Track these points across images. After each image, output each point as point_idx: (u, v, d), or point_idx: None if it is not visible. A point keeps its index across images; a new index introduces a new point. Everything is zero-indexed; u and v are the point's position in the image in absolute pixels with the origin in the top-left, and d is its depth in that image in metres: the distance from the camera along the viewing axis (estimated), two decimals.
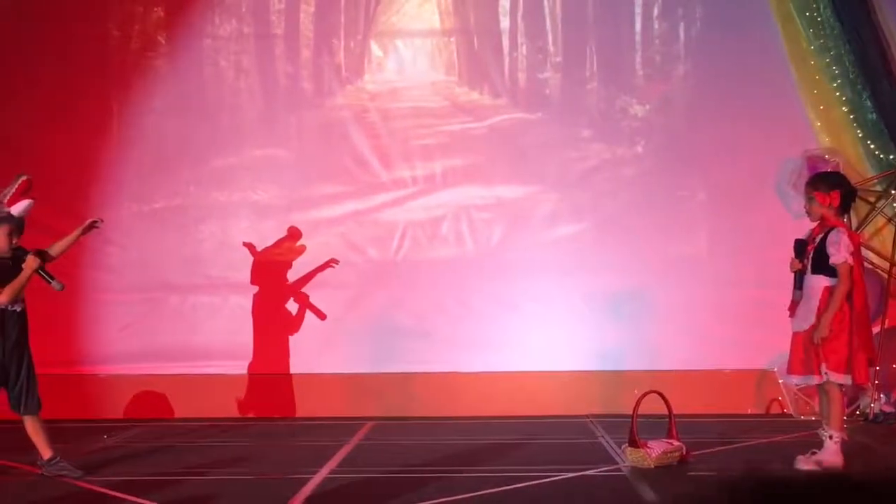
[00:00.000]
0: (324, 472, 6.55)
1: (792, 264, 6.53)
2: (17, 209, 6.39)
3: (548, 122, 9.31)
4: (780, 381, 8.77)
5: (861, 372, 6.42)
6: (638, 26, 9.36)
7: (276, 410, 9.12)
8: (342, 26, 9.41)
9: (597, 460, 6.82)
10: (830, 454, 6.33)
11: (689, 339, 8.94)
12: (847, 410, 8.47)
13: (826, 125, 9.04)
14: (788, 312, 6.67)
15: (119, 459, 7.15)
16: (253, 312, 9.15)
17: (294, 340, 9.17)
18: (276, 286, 9.18)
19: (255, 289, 9.17)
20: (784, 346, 8.72)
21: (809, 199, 6.56)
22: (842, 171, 8.60)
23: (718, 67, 9.17)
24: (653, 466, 6.48)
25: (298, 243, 9.22)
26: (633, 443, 6.59)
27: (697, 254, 9.14)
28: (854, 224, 8.64)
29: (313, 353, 9.15)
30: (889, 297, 8.64)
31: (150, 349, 9.06)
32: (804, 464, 6.29)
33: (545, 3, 9.35)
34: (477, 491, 5.88)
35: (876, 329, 7.89)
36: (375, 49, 9.44)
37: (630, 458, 6.60)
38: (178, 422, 8.90)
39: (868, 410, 8.49)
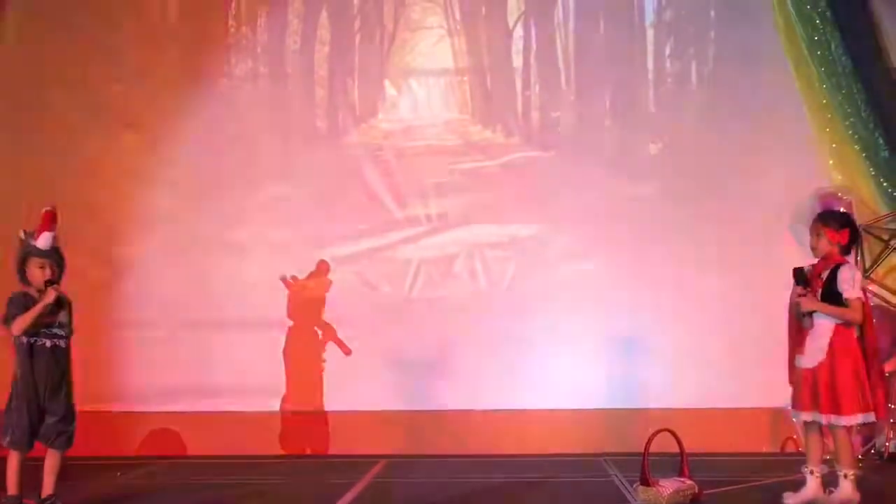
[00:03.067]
0: None
1: (802, 304, 6.48)
2: (41, 242, 6.40)
3: (561, 160, 9.36)
4: (795, 420, 8.71)
5: (880, 408, 6.42)
6: (650, 64, 9.42)
7: (289, 448, 9.12)
8: (356, 66, 9.51)
9: (609, 499, 6.81)
10: (848, 492, 6.33)
11: (703, 377, 8.91)
12: (862, 449, 8.45)
13: (838, 163, 9.06)
14: (789, 342, 6.67)
15: (132, 497, 7.16)
16: (284, 348, 9.19)
17: (311, 378, 9.19)
18: (304, 322, 9.23)
19: (287, 324, 9.21)
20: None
21: (818, 236, 6.56)
22: (853, 210, 8.65)
23: (730, 105, 9.22)
24: None
25: (328, 277, 9.26)
26: (645, 481, 6.57)
27: (712, 291, 9.13)
28: (868, 262, 8.64)
29: (327, 390, 9.16)
30: None
31: (164, 387, 9.09)
32: (790, 499, 6.43)
33: (558, 41, 9.43)
34: None
35: (890, 368, 7.87)
36: (389, 88, 9.53)
37: (642, 496, 6.58)
38: (192, 459, 8.91)
39: (883, 449, 8.44)
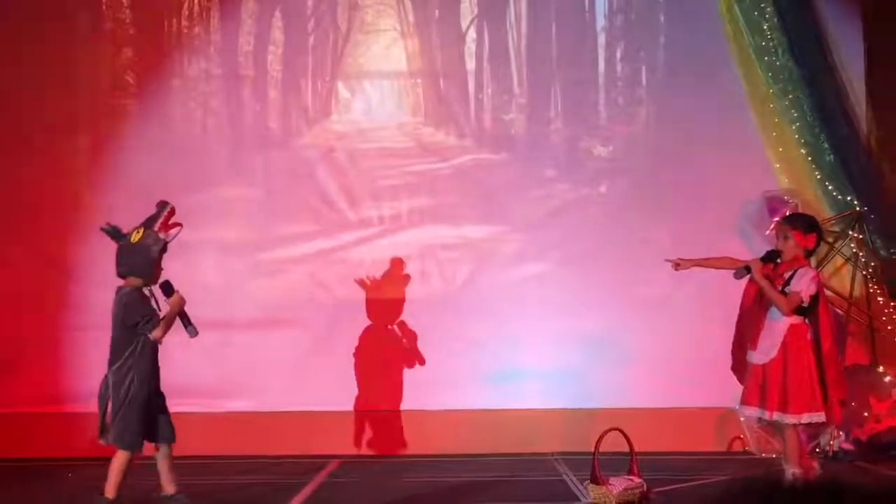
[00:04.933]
0: None
1: (753, 268, 6.59)
2: (170, 236, 6.40)
3: (513, 163, 9.44)
4: (742, 420, 8.87)
5: (833, 412, 6.54)
6: (601, 68, 9.52)
7: (239, 448, 9.08)
8: (310, 67, 9.52)
9: (560, 498, 6.88)
10: None
11: (653, 378, 9.02)
12: (808, 447, 8.60)
13: (785, 167, 9.22)
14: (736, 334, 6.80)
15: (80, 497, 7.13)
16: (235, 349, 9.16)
17: (262, 379, 9.18)
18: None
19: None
20: None
21: (785, 238, 6.68)
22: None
23: (680, 110, 9.33)
24: (614, 503, 6.55)
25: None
26: (595, 480, 6.66)
27: (661, 293, 9.23)
28: (813, 264, 8.78)
29: (281, 390, 9.16)
30: (847, 335, 8.78)
31: None
32: None
33: (510, 45, 9.51)
34: None
35: None
36: (343, 90, 9.55)
37: (592, 495, 6.67)
38: (145, 459, 8.85)
39: (828, 448, 8.59)
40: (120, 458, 6.18)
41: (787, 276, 6.61)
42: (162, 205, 6.45)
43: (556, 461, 8.49)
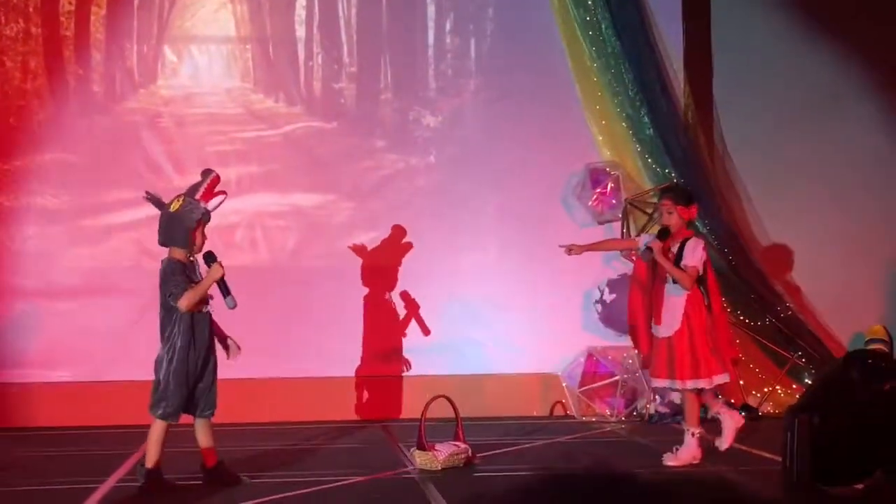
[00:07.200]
0: (111, 482, 6.49)
1: (655, 250, 6.78)
2: (212, 204, 6.19)
3: (343, 132, 9.45)
4: (564, 385, 9.16)
5: (731, 371, 6.90)
6: (431, 39, 9.60)
7: (69, 419, 8.87)
8: (135, 30, 9.29)
9: (387, 464, 6.98)
10: (691, 448, 6.82)
11: (478, 345, 9.22)
12: (625, 411, 8.95)
13: (608, 139, 9.50)
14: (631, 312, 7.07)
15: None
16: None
17: (85, 348, 8.98)
18: None
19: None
20: (569, 353, 9.20)
21: (669, 213, 6.90)
22: (621, 184, 9.14)
23: (508, 83, 9.51)
24: (440, 468, 6.69)
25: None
26: (422, 446, 6.78)
27: (488, 260, 9.43)
28: (633, 234, 9.10)
29: (104, 360, 8.99)
30: None
31: None
32: (670, 461, 6.79)
33: (340, 13, 9.49)
34: (267, 496, 5.95)
35: None
36: (169, 54, 9.37)
37: (418, 460, 6.78)
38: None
39: (644, 411, 8.95)
40: (156, 429, 6.17)
41: (674, 249, 6.86)
42: (206, 173, 6.32)
43: (384, 428, 8.59)
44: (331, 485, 6.30)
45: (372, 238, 9.34)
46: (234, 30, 9.46)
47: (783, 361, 9.20)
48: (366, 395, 9.16)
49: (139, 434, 8.20)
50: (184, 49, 9.42)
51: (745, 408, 8.77)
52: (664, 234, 6.85)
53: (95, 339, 8.98)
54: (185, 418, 6.33)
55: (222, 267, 6.21)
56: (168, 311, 6.19)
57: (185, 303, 6.09)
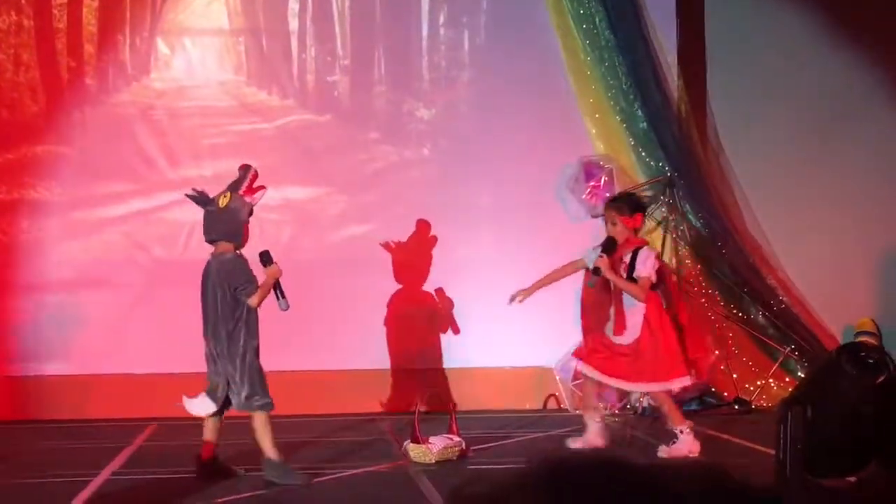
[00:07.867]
0: (105, 474, 6.49)
1: (602, 267, 6.74)
2: (256, 198, 6.26)
3: (336, 125, 9.43)
4: (558, 378, 9.16)
5: (703, 373, 6.98)
6: (424, 32, 9.59)
7: (61, 412, 8.86)
8: (127, 22, 9.26)
9: (381, 457, 6.98)
10: (687, 442, 6.81)
11: (473, 338, 9.21)
12: (619, 405, 8.96)
13: (601, 133, 9.49)
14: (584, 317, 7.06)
15: None
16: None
17: (77, 341, 8.97)
18: None
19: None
20: (564, 344, 9.19)
21: (613, 224, 6.90)
22: (614, 177, 9.13)
23: (502, 75, 9.48)
24: (434, 462, 6.70)
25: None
26: (416, 439, 6.79)
27: (482, 254, 9.42)
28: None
29: (97, 353, 8.98)
30: None
31: None
32: (664, 452, 6.82)
33: (334, 6, 9.46)
34: (264, 489, 5.96)
35: None
36: (162, 47, 9.34)
37: (412, 454, 6.79)
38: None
39: (637, 404, 8.96)
40: (259, 421, 6.24)
41: (626, 258, 6.85)
42: (245, 168, 6.35)
43: (379, 421, 8.59)
44: (325, 478, 6.31)
45: (365, 231, 9.33)
46: (227, 22, 9.44)
47: (776, 355, 9.21)
48: (358, 388, 9.15)
49: (132, 427, 8.25)
50: (176, 42, 9.39)
51: (738, 401, 8.78)
52: (609, 247, 6.80)
53: (88, 332, 8.97)
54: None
55: (279, 268, 6.30)
56: (233, 307, 6.25)
57: (256, 300, 6.22)
